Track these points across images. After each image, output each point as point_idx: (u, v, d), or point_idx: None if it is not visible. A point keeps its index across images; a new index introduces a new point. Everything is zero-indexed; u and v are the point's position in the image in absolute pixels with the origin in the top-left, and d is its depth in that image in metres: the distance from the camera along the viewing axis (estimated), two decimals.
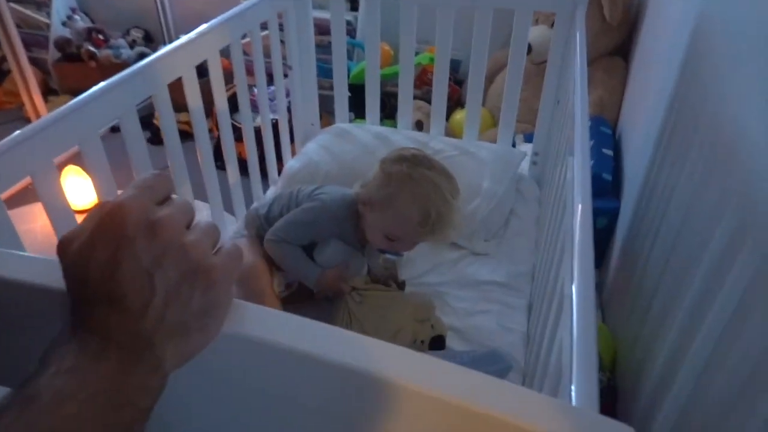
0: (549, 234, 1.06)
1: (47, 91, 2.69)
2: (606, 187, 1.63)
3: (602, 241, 1.66)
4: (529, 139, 1.91)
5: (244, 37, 1.33)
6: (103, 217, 0.35)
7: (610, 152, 1.74)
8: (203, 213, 1.46)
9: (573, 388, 0.44)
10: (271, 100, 1.74)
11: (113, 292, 0.33)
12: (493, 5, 1.43)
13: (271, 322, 0.39)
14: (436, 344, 1.09)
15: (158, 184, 0.39)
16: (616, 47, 2.05)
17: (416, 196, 1.04)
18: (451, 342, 1.14)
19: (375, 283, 1.19)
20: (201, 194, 1.32)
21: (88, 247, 0.34)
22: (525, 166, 1.66)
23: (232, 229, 1.45)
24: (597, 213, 1.60)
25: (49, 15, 2.74)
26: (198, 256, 0.36)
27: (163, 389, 0.34)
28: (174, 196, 0.40)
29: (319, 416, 0.40)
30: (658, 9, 1.69)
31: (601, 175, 1.63)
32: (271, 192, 1.60)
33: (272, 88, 1.61)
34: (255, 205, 1.38)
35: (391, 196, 1.05)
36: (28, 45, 2.67)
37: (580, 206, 0.66)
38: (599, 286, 1.65)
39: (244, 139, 1.45)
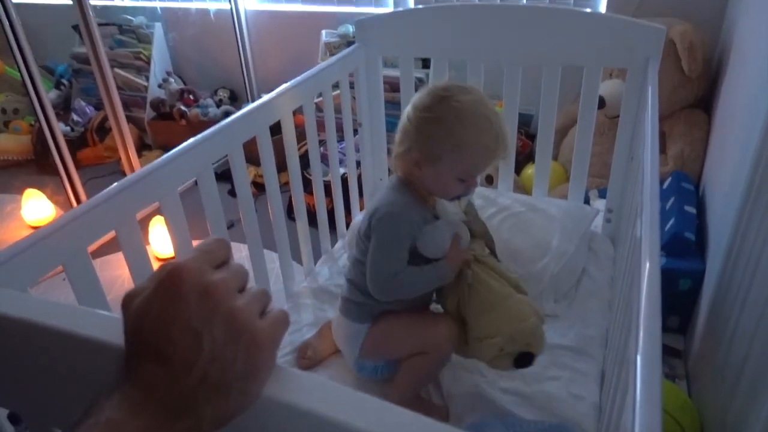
0: (621, 296, 1.01)
1: (142, 147, 2.93)
2: (689, 246, 1.53)
3: (686, 304, 1.55)
4: (603, 194, 1.84)
5: (319, 95, 1.40)
6: (163, 276, 0.37)
7: (693, 210, 1.64)
8: (275, 263, 1.50)
9: None
10: (342, 155, 1.79)
11: (162, 347, 0.35)
12: (562, 63, 1.42)
13: (313, 390, 0.39)
14: (523, 361, 1.00)
15: (217, 249, 0.41)
16: (696, 100, 1.97)
17: (479, 123, 0.97)
18: (519, 409, 1.08)
19: (475, 238, 1.13)
20: (273, 245, 1.37)
21: (147, 304, 0.37)
22: (599, 223, 1.60)
23: (299, 277, 1.48)
24: (680, 274, 1.50)
25: (147, 78, 3.02)
26: (245, 319, 0.37)
27: None
28: (232, 261, 0.42)
29: None
30: (740, 60, 1.62)
31: (683, 234, 1.54)
32: (339, 245, 1.63)
33: (343, 143, 1.67)
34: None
35: (456, 136, 0.97)
36: (127, 105, 2.94)
37: (648, 267, 0.62)
38: (685, 355, 1.53)
39: (314, 192, 1.50)
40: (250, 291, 0.41)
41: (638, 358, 0.53)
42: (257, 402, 0.38)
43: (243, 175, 1.18)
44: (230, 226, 2.13)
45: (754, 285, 1.03)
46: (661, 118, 1.99)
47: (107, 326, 0.43)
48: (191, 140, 1.02)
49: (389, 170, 1.83)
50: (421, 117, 0.99)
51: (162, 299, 0.36)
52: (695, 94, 1.95)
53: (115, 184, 0.87)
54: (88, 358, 0.44)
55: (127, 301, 0.38)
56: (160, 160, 0.95)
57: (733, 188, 1.34)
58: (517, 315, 1.01)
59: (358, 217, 1.62)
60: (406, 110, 1.03)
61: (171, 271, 0.37)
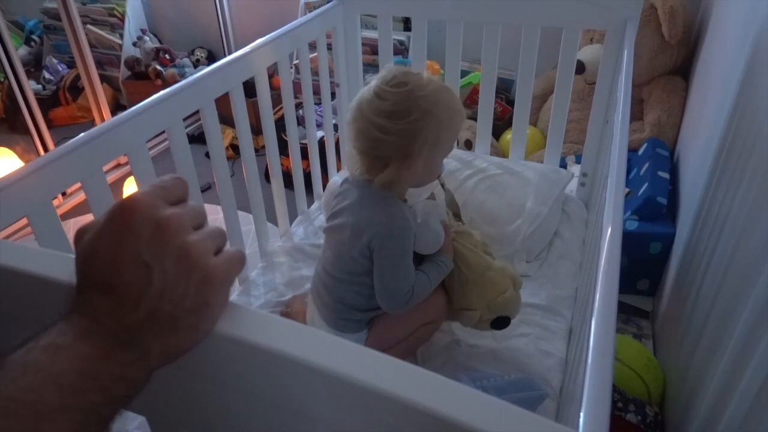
0: (589, 257, 1.03)
1: (116, 107, 2.86)
2: (661, 210, 1.56)
3: (657, 267, 1.58)
4: (580, 159, 1.86)
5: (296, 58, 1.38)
6: (115, 210, 0.36)
7: (666, 175, 1.66)
8: (250, 225, 1.50)
9: (582, 415, 0.41)
10: (320, 117, 1.77)
11: (111, 280, 0.35)
12: (540, 23, 1.41)
13: (266, 326, 0.39)
14: (500, 323, 1.08)
15: (173, 186, 0.40)
16: (675, 66, 1.97)
17: (451, 111, 0.96)
18: (486, 364, 1.11)
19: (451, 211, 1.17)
20: (248, 207, 1.36)
21: (98, 237, 0.36)
22: (574, 187, 1.61)
23: (275, 238, 1.48)
24: (651, 238, 1.53)
25: (121, 36, 2.93)
26: (197, 254, 0.37)
27: (144, 383, 0.35)
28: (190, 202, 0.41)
29: (312, 423, 0.40)
30: (718, 27, 1.62)
31: (656, 199, 1.56)
32: (315, 206, 1.63)
33: (321, 107, 1.65)
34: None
35: (445, 120, 0.95)
36: (101, 64, 2.86)
37: (610, 228, 0.63)
38: (653, 316, 1.57)
39: (289, 154, 1.48)
40: (205, 229, 0.40)
41: (594, 314, 0.54)
42: (209, 337, 0.38)
43: (215, 132, 1.16)
44: (206, 188, 2.11)
45: (718, 248, 1.05)
46: (640, 84, 2.00)
47: (61, 264, 0.42)
48: (162, 92, 1.00)
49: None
50: (404, 122, 0.93)
51: (113, 232, 0.36)
52: (674, 60, 1.95)
53: (82, 134, 0.85)
54: (42, 297, 0.43)
55: (79, 235, 0.38)
56: (128, 111, 0.93)
57: (705, 154, 1.36)
58: (495, 288, 1.06)
59: (335, 178, 1.61)
60: (369, 123, 0.94)
61: (123, 205, 0.36)
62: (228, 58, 1.16)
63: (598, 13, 1.34)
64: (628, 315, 1.56)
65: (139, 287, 0.35)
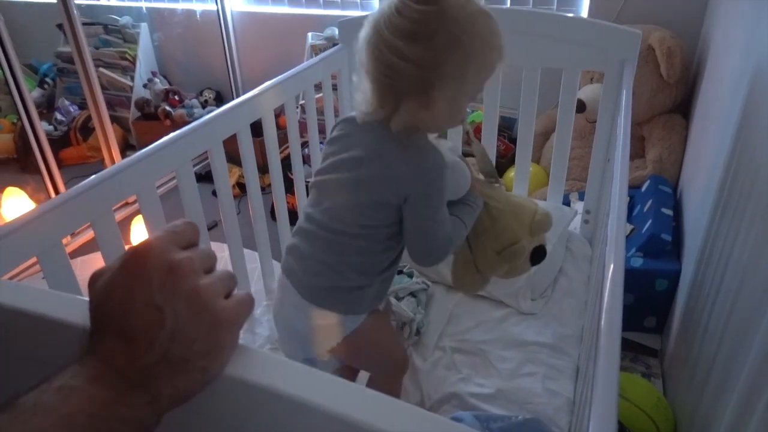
0: (593, 295, 1.03)
1: (126, 147, 2.91)
2: (665, 247, 1.56)
3: (663, 305, 1.57)
4: (583, 196, 1.87)
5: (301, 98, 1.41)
6: (129, 255, 0.38)
7: (669, 212, 1.67)
8: (256, 262, 1.51)
9: None
10: None
11: (124, 324, 0.36)
12: (541, 65, 1.44)
13: (275, 369, 0.39)
14: (538, 256, 1.05)
15: (184, 231, 0.42)
16: (675, 105, 2.01)
17: (485, 45, 0.81)
18: (493, 404, 1.10)
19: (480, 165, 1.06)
20: (254, 244, 1.37)
21: (111, 281, 0.37)
22: (578, 224, 1.62)
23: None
24: (656, 275, 1.53)
25: (132, 78, 3.00)
26: (208, 297, 0.38)
27: (153, 426, 0.35)
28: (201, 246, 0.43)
29: None
30: (716, 66, 1.66)
31: (660, 236, 1.56)
32: None
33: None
34: None
35: (462, 63, 0.80)
36: (111, 105, 2.92)
37: (612, 266, 0.64)
38: (661, 354, 1.55)
39: (295, 191, 1.50)
40: (216, 273, 0.41)
41: (599, 352, 0.54)
42: (219, 380, 0.39)
43: (223, 173, 1.19)
44: (212, 226, 2.13)
45: (723, 285, 1.05)
46: (641, 122, 2.03)
47: (75, 308, 0.43)
48: (171, 135, 1.02)
49: None
50: (425, 48, 0.78)
51: (126, 276, 0.37)
52: (674, 99, 1.98)
53: (92, 176, 0.87)
54: (56, 340, 0.44)
55: (93, 279, 0.39)
56: (138, 154, 0.95)
57: (706, 191, 1.37)
58: (527, 208, 1.03)
59: None
60: (385, 44, 0.79)
61: (136, 251, 0.38)
62: (236, 100, 1.20)
63: (596, 55, 1.37)
64: (636, 353, 1.54)
65: (151, 330, 0.36)
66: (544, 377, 1.14)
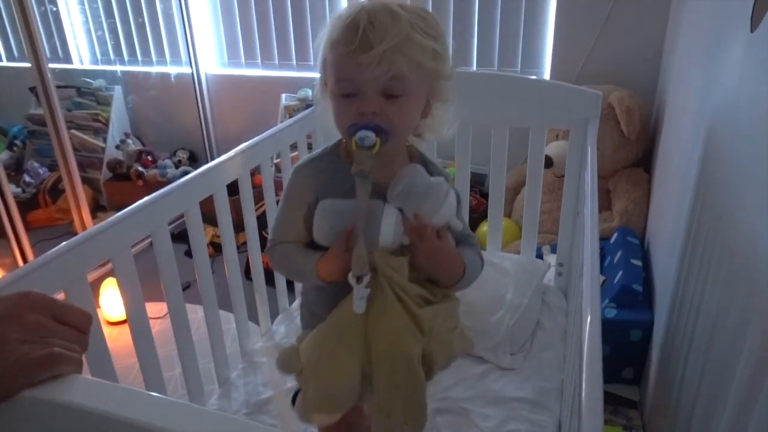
0: (572, 347, 1.03)
1: (96, 208, 2.88)
2: (637, 297, 1.59)
3: (639, 354, 1.59)
4: (555, 249, 1.91)
5: (277, 156, 1.43)
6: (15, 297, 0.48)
7: (639, 262, 1.71)
8: (231, 324, 1.48)
9: None
10: None
11: None
12: (509, 124, 1.50)
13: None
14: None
15: (71, 311, 0.50)
16: (636, 159, 2.10)
17: (340, 15, 0.75)
18: None
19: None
20: (230, 305, 1.35)
21: None
22: (552, 277, 1.64)
23: (256, 337, 1.46)
24: (630, 325, 1.55)
25: (105, 140, 3.00)
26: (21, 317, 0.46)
27: None
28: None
29: None
30: (673, 122, 1.75)
31: (631, 286, 1.60)
32: (297, 303, 1.61)
33: (272, 233, 1.68)
34: None
35: (321, 43, 0.77)
36: (83, 166, 2.90)
37: (589, 318, 0.65)
38: (641, 405, 1.55)
39: None
40: (65, 333, 0.48)
41: (582, 408, 0.55)
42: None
43: (199, 235, 1.18)
44: (186, 287, 2.09)
45: (696, 332, 1.07)
46: (606, 176, 2.10)
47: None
48: (147, 198, 1.02)
49: None
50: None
51: None
52: (635, 154, 2.07)
53: (65, 242, 0.86)
54: None
55: None
56: (113, 217, 0.95)
57: (673, 242, 1.41)
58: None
59: None
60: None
61: (19, 293, 0.47)
62: (214, 162, 1.21)
63: (561, 114, 1.44)
64: (615, 405, 1.54)
65: None
66: None
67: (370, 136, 0.73)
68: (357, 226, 0.74)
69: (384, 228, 0.74)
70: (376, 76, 0.72)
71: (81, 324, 0.49)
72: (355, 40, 0.70)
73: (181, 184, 1.10)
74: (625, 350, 1.56)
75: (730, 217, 0.94)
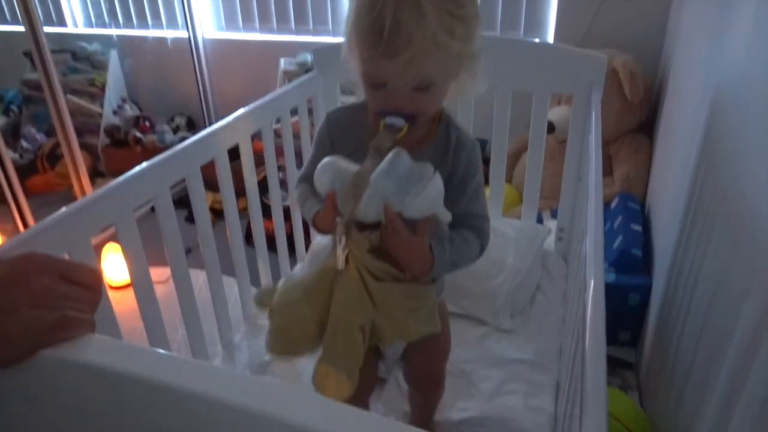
0: (572, 311, 1.05)
1: (95, 174, 2.86)
2: (636, 263, 1.60)
3: (636, 319, 1.61)
4: (556, 215, 1.91)
5: (276, 121, 1.42)
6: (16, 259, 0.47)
7: (638, 228, 1.72)
8: (233, 288, 1.49)
9: None
10: None
11: None
12: (512, 89, 1.48)
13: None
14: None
15: (77, 269, 0.50)
16: (639, 125, 2.08)
17: (366, 1, 0.71)
18: (475, 425, 1.10)
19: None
20: (231, 270, 1.36)
21: None
22: (552, 242, 1.65)
23: None
24: (629, 289, 1.57)
25: (101, 105, 2.97)
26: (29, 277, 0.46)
27: None
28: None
29: None
30: (677, 87, 1.73)
31: (631, 251, 1.61)
32: (299, 268, 1.63)
33: (303, 169, 1.68)
34: None
35: (347, 18, 0.76)
36: (80, 132, 2.87)
37: (593, 282, 0.66)
38: (636, 367, 1.58)
39: (272, 216, 1.50)
40: (76, 293, 0.47)
41: (585, 369, 0.56)
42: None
43: (201, 199, 1.18)
44: (188, 252, 2.10)
45: (695, 298, 1.09)
46: (608, 142, 2.09)
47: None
48: (148, 162, 1.02)
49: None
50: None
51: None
52: (638, 119, 2.06)
53: (67, 206, 0.86)
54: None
55: None
56: (115, 182, 0.94)
57: (674, 207, 1.42)
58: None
59: (318, 239, 1.63)
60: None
61: (23, 255, 0.47)
62: (214, 126, 1.20)
63: (565, 79, 1.42)
64: (612, 367, 1.57)
65: None
66: (525, 394, 1.15)
67: (398, 122, 0.75)
68: (345, 192, 0.75)
69: (363, 202, 0.74)
70: (404, 81, 0.72)
71: (90, 281, 0.49)
72: (380, 44, 0.69)
73: (183, 149, 1.10)
74: (623, 314, 1.58)
75: (733, 186, 0.94)
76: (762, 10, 0.91)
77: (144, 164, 1.01)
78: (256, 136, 1.35)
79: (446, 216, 0.77)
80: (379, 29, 0.69)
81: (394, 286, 0.80)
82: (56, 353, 0.42)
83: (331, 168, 0.78)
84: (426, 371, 1.04)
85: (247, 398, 0.39)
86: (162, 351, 0.44)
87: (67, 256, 0.87)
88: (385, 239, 0.77)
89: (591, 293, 0.64)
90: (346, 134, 0.87)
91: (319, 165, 0.79)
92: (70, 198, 2.57)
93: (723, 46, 1.16)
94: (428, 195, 0.72)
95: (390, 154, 0.74)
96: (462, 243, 0.84)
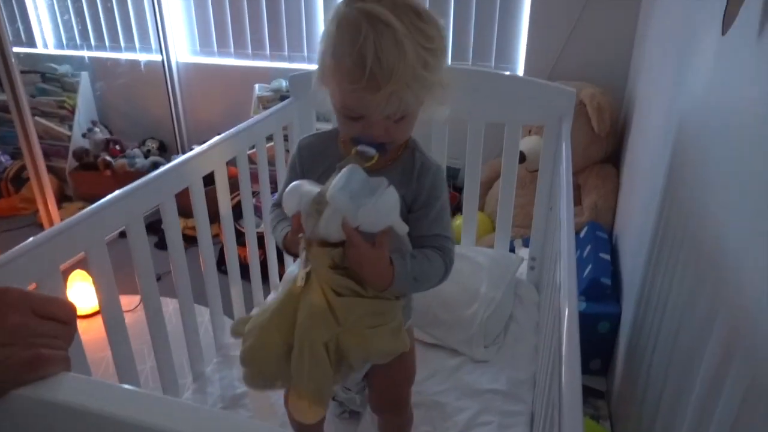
0: (545, 340, 1.06)
1: (62, 198, 2.80)
2: (605, 291, 1.63)
3: (606, 347, 1.63)
4: (527, 243, 1.94)
5: (251, 147, 1.42)
6: None
7: (607, 256, 1.76)
8: (204, 317, 1.46)
9: None
10: None
11: None
12: (485, 120, 1.52)
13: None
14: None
15: (53, 303, 0.49)
16: (606, 155, 2.15)
17: (344, 35, 0.74)
18: None
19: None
20: (202, 298, 1.34)
21: None
22: (524, 270, 1.67)
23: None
24: (598, 318, 1.59)
25: (71, 128, 2.92)
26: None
27: None
28: None
29: None
30: (642, 118, 1.79)
31: (600, 280, 1.64)
32: (272, 297, 1.61)
33: (276, 195, 1.68)
34: None
35: (323, 49, 0.78)
36: (48, 155, 2.82)
37: (567, 311, 0.67)
38: (607, 395, 1.60)
39: (246, 244, 1.49)
40: (50, 329, 0.47)
41: (561, 398, 0.57)
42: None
43: (175, 226, 1.17)
44: (158, 279, 2.06)
45: (663, 326, 1.11)
46: (576, 171, 2.15)
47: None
48: (123, 189, 1.00)
49: None
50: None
51: None
52: (605, 150, 2.12)
53: (40, 234, 0.84)
54: None
55: None
56: (89, 209, 0.93)
57: (641, 236, 1.46)
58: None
59: (292, 267, 1.62)
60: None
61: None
62: (189, 154, 1.19)
63: (536, 111, 1.47)
64: (584, 396, 1.58)
65: None
66: (499, 426, 1.15)
67: (370, 151, 0.80)
68: (308, 210, 0.77)
69: (322, 221, 0.76)
70: (384, 114, 0.76)
71: (64, 316, 0.48)
72: (362, 79, 0.72)
73: (157, 176, 1.08)
74: (593, 342, 1.61)
75: (699, 215, 0.98)
76: (722, 46, 0.96)
77: (118, 191, 0.99)
78: (230, 162, 1.35)
79: (402, 228, 0.77)
80: (361, 64, 0.71)
81: (356, 301, 0.80)
82: (29, 392, 0.41)
83: (297, 190, 0.80)
84: (390, 396, 1.04)
85: None
86: (136, 389, 0.43)
87: (35, 285, 0.85)
88: (346, 254, 0.78)
89: (566, 322, 0.66)
90: (317, 160, 0.89)
91: (287, 189, 0.81)
92: (35, 222, 2.51)
93: (685, 77, 1.22)
94: (381, 207, 0.73)
95: (344, 170, 0.75)
96: (424, 260, 0.84)
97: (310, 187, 0.79)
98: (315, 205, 0.76)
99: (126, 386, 0.43)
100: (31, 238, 0.83)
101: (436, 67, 0.78)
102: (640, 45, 2.08)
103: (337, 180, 0.75)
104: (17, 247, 0.81)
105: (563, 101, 1.42)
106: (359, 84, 0.72)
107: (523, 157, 2.06)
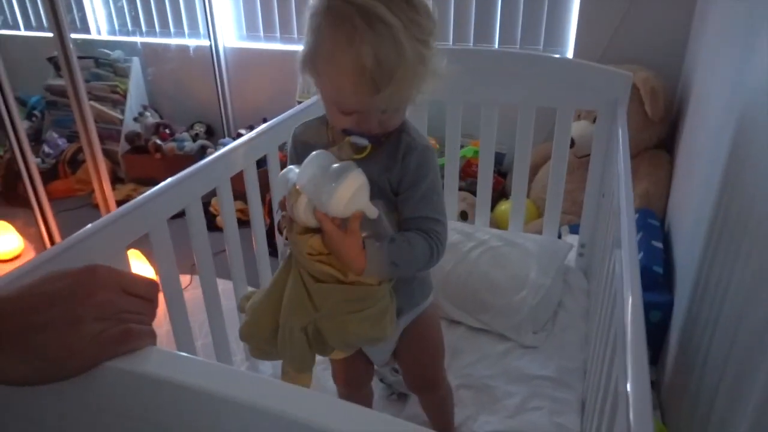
0: (599, 328, 1.05)
1: (114, 180, 2.90)
2: (657, 280, 1.60)
3: (657, 336, 1.60)
4: (574, 230, 1.91)
5: None
6: (83, 272, 0.49)
7: (659, 244, 1.72)
8: None
9: None
10: None
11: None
12: (536, 104, 1.49)
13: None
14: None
15: (140, 284, 0.52)
16: (659, 141, 2.08)
17: (337, 32, 0.70)
18: None
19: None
20: (253, 280, 1.37)
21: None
22: (572, 257, 1.65)
23: None
24: (649, 307, 1.56)
25: (123, 112, 3.01)
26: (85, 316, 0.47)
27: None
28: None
29: None
30: (698, 105, 1.73)
31: (652, 268, 1.60)
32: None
33: None
34: None
35: (312, 42, 0.75)
36: (101, 138, 2.91)
37: (630, 299, 0.66)
38: (656, 385, 1.57)
39: None
40: (134, 305, 0.49)
41: (629, 389, 0.56)
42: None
43: (230, 207, 1.20)
44: None
45: (721, 318, 1.08)
46: None
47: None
48: (183, 172, 1.03)
49: None
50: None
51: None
52: (658, 136, 2.06)
53: (106, 216, 0.87)
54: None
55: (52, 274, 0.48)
56: (152, 191, 0.96)
57: (696, 225, 1.41)
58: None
59: None
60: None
61: (86, 268, 0.48)
62: (243, 138, 1.21)
63: (589, 95, 1.43)
64: None
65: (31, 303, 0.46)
66: (550, 412, 1.15)
67: (363, 142, 0.79)
68: (289, 196, 0.78)
69: (296, 207, 0.76)
70: (381, 110, 0.76)
71: (149, 293, 0.51)
72: (362, 81, 0.70)
73: (214, 160, 1.11)
74: (645, 331, 1.57)
75: (763, 207, 0.94)
76: None
77: (179, 175, 1.02)
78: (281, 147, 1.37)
79: (372, 212, 0.76)
80: (360, 67, 0.69)
81: (333, 287, 0.80)
82: (120, 364, 0.43)
83: (284, 177, 0.81)
84: (419, 373, 1.05)
85: (303, 411, 0.40)
86: (219, 364, 0.45)
87: None
88: (323, 240, 0.78)
89: (630, 312, 0.65)
90: (309, 148, 0.85)
91: (279, 176, 0.83)
92: (90, 203, 2.61)
93: (750, 64, 1.17)
94: (345, 191, 0.72)
95: (310, 156, 0.75)
96: (404, 243, 0.81)
97: (295, 173, 0.79)
98: (294, 192, 0.77)
99: (209, 361, 0.44)
100: (99, 220, 0.87)
101: (430, 56, 0.76)
102: (697, 27, 1.99)
103: (303, 167, 0.75)
104: (85, 228, 0.85)
105: (619, 85, 1.38)
106: (359, 87, 0.71)
107: (572, 143, 2.01)
